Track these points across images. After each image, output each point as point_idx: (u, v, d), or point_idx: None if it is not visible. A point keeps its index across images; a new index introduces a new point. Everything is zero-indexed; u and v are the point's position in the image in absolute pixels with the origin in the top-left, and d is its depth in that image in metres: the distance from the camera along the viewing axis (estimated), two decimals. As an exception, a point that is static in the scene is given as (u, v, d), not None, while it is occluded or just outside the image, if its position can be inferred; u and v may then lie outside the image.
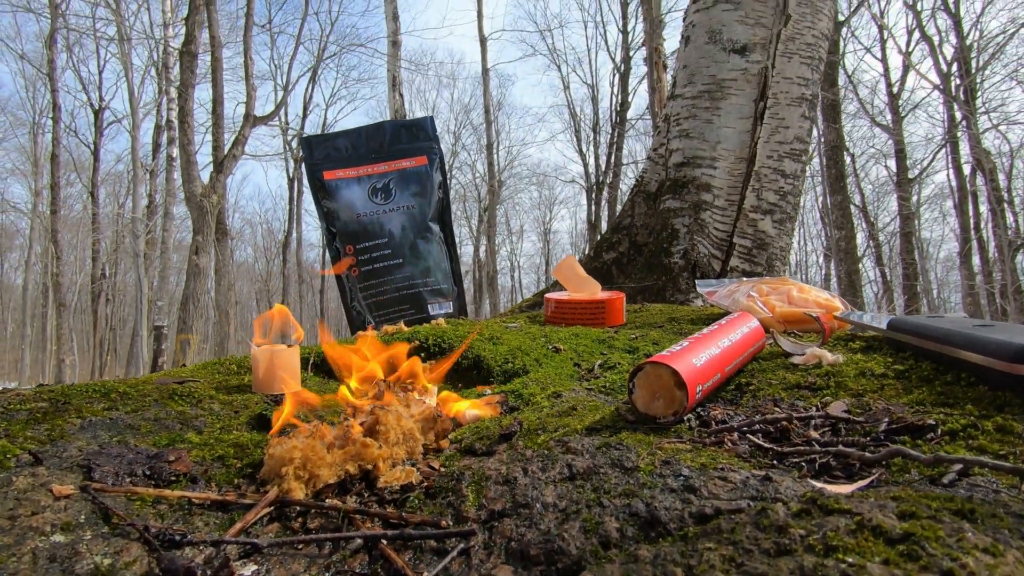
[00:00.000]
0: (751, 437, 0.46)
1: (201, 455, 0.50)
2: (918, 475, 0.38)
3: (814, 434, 0.46)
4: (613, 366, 0.82)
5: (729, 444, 0.47)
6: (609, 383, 0.74)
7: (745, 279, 1.28)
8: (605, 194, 18.69)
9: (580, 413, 0.59)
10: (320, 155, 1.13)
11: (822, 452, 0.41)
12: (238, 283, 19.08)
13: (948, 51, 12.89)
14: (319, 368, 0.89)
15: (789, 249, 2.98)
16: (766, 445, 0.44)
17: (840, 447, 0.40)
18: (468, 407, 0.66)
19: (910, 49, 13.97)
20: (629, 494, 0.39)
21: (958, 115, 13.69)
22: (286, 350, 0.74)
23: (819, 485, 0.36)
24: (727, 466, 0.40)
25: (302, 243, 20.19)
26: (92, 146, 15.11)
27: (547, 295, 1.22)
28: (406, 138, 1.16)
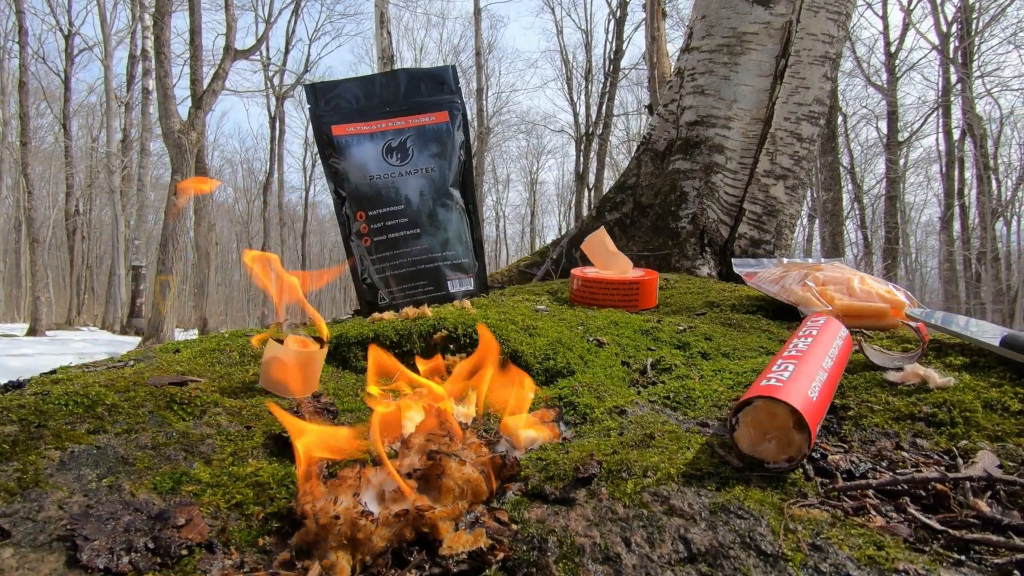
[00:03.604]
0: (912, 512, 0.37)
1: (214, 501, 0.40)
2: None
3: (984, 508, 0.37)
4: (668, 368, 0.73)
5: (874, 512, 0.38)
6: (671, 392, 0.65)
7: (787, 260, 1.18)
8: (595, 146, 18.39)
9: (661, 444, 0.50)
10: (327, 105, 0.98)
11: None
12: (218, 224, 18.60)
13: (950, 11, 12.63)
14: (331, 356, 0.79)
15: (798, 216, 2.90)
16: (936, 526, 0.35)
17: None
18: (523, 426, 0.56)
19: (911, 6, 13.64)
20: (792, 606, 0.30)
21: (953, 78, 13.57)
22: (316, 352, 0.63)
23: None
24: (908, 567, 0.31)
25: (283, 185, 19.66)
26: (63, 75, 14.31)
27: (574, 271, 1.12)
28: (425, 90, 1.02)
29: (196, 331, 13.44)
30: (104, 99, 14.08)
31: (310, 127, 1.12)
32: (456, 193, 1.02)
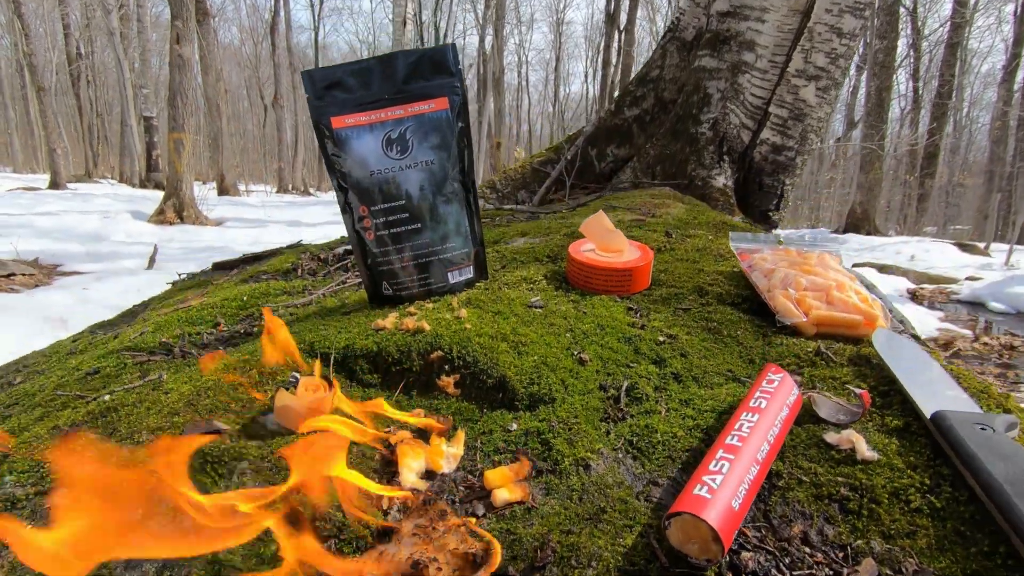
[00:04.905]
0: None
1: (248, 591, 0.52)
2: None
3: (844, 634, 0.48)
4: (640, 398, 0.81)
5: (759, 627, 0.49)
6: (637, 434, 0.74)
7: (782, 243, 1.20)
8: (630, -22, 16.66)
9: (610, 520, 0.61)
10: (325, 94, 0.96)
11: None
12: (225, 68, 17.78)
13: None
14: (339, 368, 0.88)
15: (827, 120, 2.76)
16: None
17: None
18: (499, 482, 0.66)
19: None
20: None
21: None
22: (324, 398, 0.72)
23: None
24: None
25: (291, 25, 18.41)
26: None
27: (572, 251, 1.16)
28: (424, 74, 0.99)
29: (215, 185, 13.56)
30: (87, -77, 12.80)
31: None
32: (456, 184, 1.03)
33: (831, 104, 2.65)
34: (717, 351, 0.92)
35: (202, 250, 6.95)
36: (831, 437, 0.70)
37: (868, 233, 12.08)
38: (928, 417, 0.68)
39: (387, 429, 0.76)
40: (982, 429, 0.64)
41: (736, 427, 0.65)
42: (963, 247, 9.97)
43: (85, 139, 15.31)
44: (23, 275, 5.74)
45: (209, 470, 0.64)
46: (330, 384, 0.76)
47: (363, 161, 0.98)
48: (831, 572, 0.55)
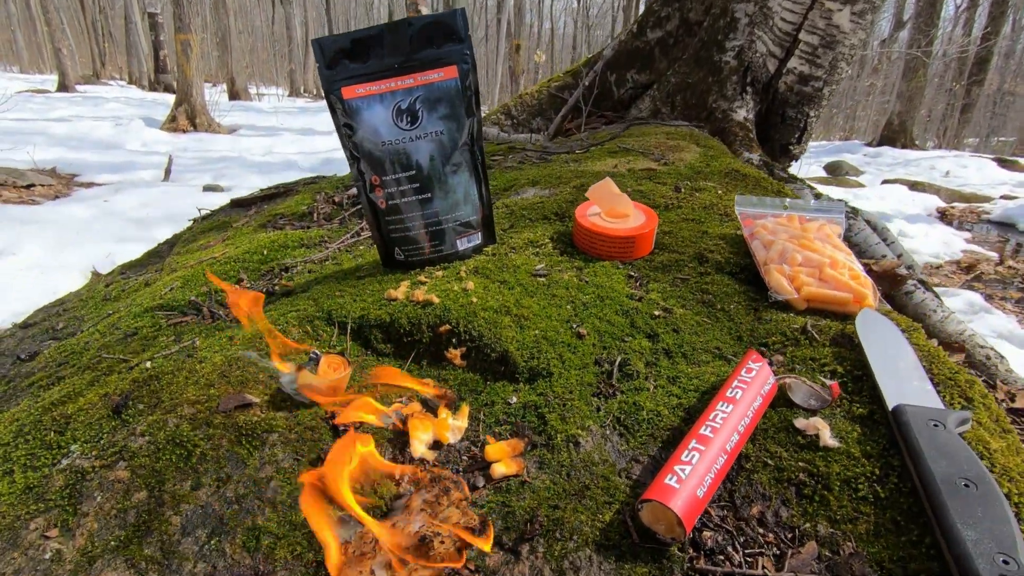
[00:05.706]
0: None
1: (283, 555, 0.62)
2: None
3: (779, 608, 0.57)
4: (631, 374, 0.88)
5: (709, 599, 0.59)
6: (625, 411, 0.82)
7: (787, 209, 1.22)
8: None
9: (593, 496, 0.69)
10: (335, 64, 0.96)
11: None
12: (229, -43, 16.70)
13: None
14: (355, 336, 0.96)
15: (860, 48, 2.61)
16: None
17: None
18: (497, 456, 0.75)
19: None
20: None
21: None
22: (344, 377, 0.80)
23: None
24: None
25: (295, -93, 17.06)
26: None
27: (578, 215, 1.19)
28: (433, 40, 0.98)
29: (225, 88, 13.22)
30: None
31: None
32: (465, 153, 1.05)
33: (866, 30, 2.50)
34: (708, 326, 0.98)
35: (217, 160, 6.94)
36: (800, 422, 0.77)
37: (903, 146, 11.60)
38: (890, 410, 0.75)
39: (400, 401, 0.84)
40: (935, 426, 0.70)
41: (711, 417, 0.72)
42: (1003, 162, 9.56)
43: (90, 36, 14.80)
44: (42, 186, 5.81)
45: (244, 443, 0.73)
46: (348, 361, 0.84)
47: (374, 131, 1.00)
48: (778, 552, 0.64)
